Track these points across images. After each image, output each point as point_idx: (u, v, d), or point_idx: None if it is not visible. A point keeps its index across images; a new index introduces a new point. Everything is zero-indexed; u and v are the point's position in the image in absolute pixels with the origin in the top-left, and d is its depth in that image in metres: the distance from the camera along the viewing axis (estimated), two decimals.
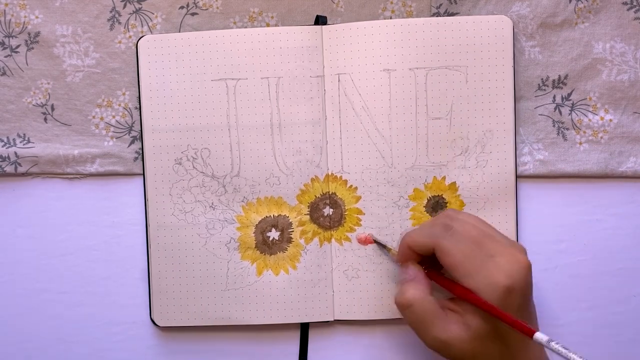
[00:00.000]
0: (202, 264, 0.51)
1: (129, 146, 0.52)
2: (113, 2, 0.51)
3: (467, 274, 0.42)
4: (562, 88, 0.51)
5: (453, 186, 0.51)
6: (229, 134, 0.51)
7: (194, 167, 0.51)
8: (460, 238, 0.43)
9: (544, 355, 0.44)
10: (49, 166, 0.52)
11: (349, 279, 0.51)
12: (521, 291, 0.41)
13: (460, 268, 0.42)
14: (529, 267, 0.42)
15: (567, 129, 0.51)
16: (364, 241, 0.51)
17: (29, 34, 0.52)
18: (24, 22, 0.51)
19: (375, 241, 0.50)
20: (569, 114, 0.51)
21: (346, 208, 0.51)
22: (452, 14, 0.51)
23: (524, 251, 0.44)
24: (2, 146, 0.52)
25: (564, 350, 0.37)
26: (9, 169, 0.52)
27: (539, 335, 0.39)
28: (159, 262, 0.51)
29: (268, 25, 0.52)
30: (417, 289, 0.44)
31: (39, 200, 0.52)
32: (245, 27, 0.52)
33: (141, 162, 0.52)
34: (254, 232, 0.51)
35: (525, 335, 0.39)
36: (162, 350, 0.52)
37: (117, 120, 0.52)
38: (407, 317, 0.44)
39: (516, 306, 0.41)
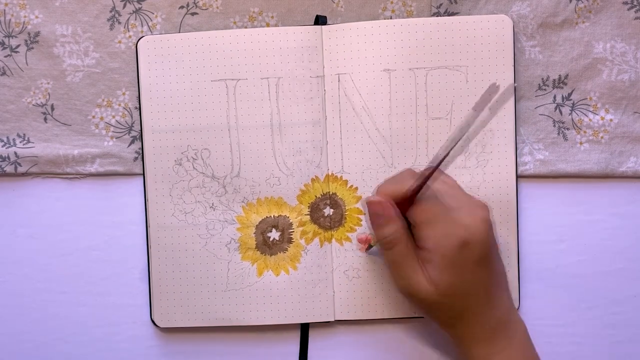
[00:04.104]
0: (203, 265, 0.51)
1: (129, 146, 0.52)
2: (113, 2, 0.51)
3: (427, 221, 0.43)
4: (562, 88, 0.51)
5: None
6: (229, 134, 0.51)
7: (194, 167, 0.51)
8: (425, 191, 0.44)
9: (511, 309, 0.45)
10: (48, 166, 0.52)
11: (350, 279, 0.51)
12: (480, 245, 0.42)
13: (422, 216, 0.44)
14: (487, 222, 0.43)
15: (568, 128, 0.51)
16: (365, 241, 0.51)
17: (28, 33, 0.51)
18: (24, 22, 0.51)
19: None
20: (570, 114, 0.51)
21: (346, 208, 0.51)
22: (452, 14, 0.51)
23: (485, 208, 0.44)
24: (2, 146, 0.52)
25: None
26: (9, 169, 0.52)
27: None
28: (159, 262, 0.51)
29: (268, 25, 0.52)
30: (402, 231, 0.44)
31: (39, 200, 0.52)
32: (245, 27, 0.52)
33: (141, 162, 0.51)
34: (254, 233, 0.51)
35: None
36: (162, 351, 0.52)
37: (117, 120, 0.52)
38: (387, 256, 0.45)
39: (474, 259, 0.42)
